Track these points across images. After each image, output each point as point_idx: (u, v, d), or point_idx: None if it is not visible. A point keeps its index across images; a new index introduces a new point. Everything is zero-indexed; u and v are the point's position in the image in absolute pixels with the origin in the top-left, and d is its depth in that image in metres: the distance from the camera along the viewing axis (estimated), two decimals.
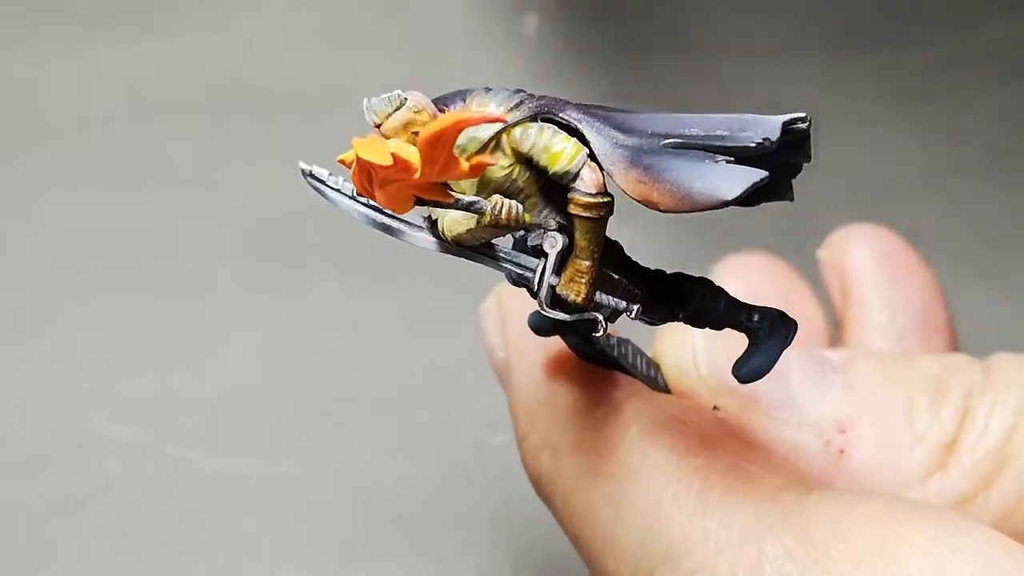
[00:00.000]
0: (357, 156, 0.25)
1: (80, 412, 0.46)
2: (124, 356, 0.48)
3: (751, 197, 0.27)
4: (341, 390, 0.47)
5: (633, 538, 0.30)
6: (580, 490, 0.31)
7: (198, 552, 0.43)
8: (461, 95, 0.28)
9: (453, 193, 0.26)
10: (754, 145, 0.26)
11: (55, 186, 0.53)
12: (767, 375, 0.29)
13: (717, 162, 0.26)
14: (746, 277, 0.36)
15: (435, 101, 0.28)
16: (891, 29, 0.56)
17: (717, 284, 0.29)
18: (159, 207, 0.52)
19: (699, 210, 0.26)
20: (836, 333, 0.38)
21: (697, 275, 0.30)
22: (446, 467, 0.45)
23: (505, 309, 0.34)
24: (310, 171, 0.30)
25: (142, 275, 0.50)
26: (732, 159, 0.26)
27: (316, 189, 0.30)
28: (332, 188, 0.30)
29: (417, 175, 0.25)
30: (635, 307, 0.28)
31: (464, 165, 0.26)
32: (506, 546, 0.44)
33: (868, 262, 0.37)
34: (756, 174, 0.26)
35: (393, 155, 0.25)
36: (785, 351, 0.30)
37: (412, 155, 0.25)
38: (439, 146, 0.25)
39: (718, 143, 0.26)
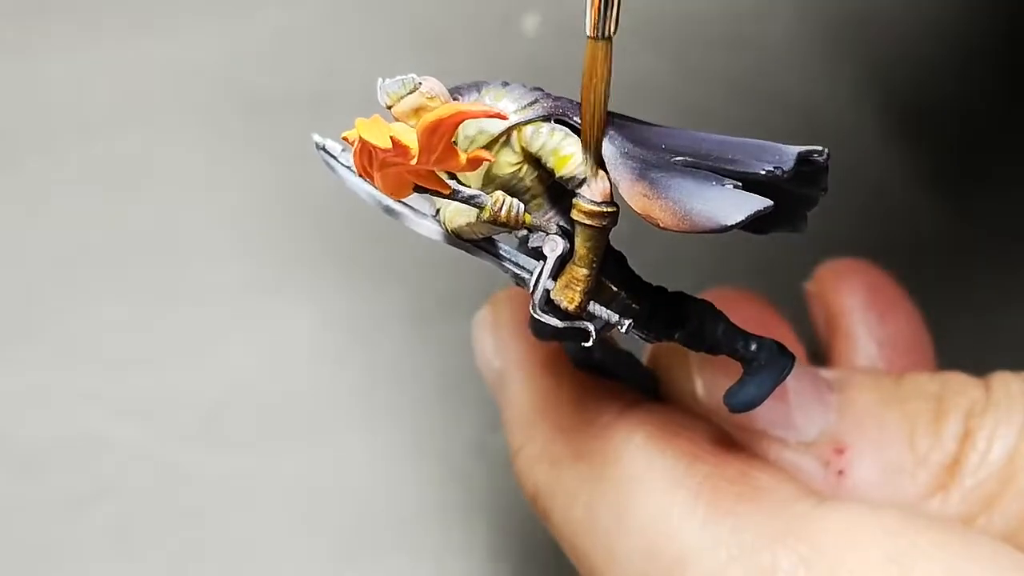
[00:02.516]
0: (359, 135, 0.25)
1: (80, 412, 0.46)
2: (124, 356, 0.48)
3: (762, 225, 0.26)
4: (341, 390, 0.47)
5: (639, 547, 0.29)
6: (581, 501, 0.31)
7: (198, 552, 0.44)
8: (477, 86, 0.27)
9: (453, 184, 0.26)
10: (764, 172, 0.25)
11: (55, 186, 0.53)
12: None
13: (724, 186, 0.25)
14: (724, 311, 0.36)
15: (451, 90, 0.27)
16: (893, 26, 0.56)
17: (718, 309, 0.29)
18: (159, 207, 0.52)
19: (698, 232, 0.25)
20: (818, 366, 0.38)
21: (699, 297, 0.29)
22: (446, 467, 0.45)
23: (500, 320, 0.34)
24: (323, 145, 0.30)
25: (142, 275, 0.50)
26: (740, 184, 0.25)
27: (326, 163, 0.30)
28: (343, 164, 0.30)
29: (414, 161, 0.25)
30: (627, 322, 0.28)
31: (462, 158, 0.25)
32: (506, 546, 0.44)
33: (857, 296, 0.37)
34: (759, 202, 0.25)
35: (392, 138, 0.25)
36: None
37: (411, 141, 0.25)
38: (436, 135, 0.25)
39: (729, 167, 0.25)
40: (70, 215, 0.52)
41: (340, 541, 0.44)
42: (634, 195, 0.26)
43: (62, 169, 0.53)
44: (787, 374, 0.28)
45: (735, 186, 0.25)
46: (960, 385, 0.32)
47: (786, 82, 0.54)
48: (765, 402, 0.30)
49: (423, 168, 0.25)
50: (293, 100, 0.55)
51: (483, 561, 0.44)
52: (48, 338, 0.48)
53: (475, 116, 0.25)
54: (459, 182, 0.27)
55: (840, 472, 0.31)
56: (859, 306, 0.37)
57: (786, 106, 0.53)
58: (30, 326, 0.49)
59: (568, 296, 0.27)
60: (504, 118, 0.26)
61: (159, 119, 0.55)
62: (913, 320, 0.37)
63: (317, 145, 0.30)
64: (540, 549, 0.43)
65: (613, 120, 0.27)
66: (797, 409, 0.32)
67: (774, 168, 0.25)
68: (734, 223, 0.25)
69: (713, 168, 0.26)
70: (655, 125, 0.27)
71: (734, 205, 0.25)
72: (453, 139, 0.25)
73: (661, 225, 0.25)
